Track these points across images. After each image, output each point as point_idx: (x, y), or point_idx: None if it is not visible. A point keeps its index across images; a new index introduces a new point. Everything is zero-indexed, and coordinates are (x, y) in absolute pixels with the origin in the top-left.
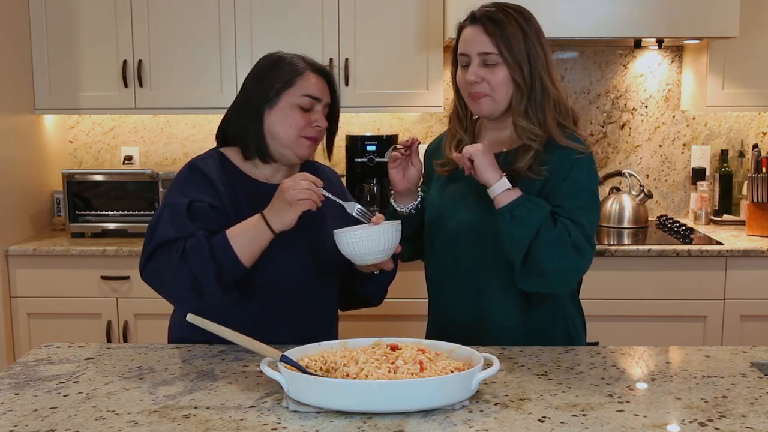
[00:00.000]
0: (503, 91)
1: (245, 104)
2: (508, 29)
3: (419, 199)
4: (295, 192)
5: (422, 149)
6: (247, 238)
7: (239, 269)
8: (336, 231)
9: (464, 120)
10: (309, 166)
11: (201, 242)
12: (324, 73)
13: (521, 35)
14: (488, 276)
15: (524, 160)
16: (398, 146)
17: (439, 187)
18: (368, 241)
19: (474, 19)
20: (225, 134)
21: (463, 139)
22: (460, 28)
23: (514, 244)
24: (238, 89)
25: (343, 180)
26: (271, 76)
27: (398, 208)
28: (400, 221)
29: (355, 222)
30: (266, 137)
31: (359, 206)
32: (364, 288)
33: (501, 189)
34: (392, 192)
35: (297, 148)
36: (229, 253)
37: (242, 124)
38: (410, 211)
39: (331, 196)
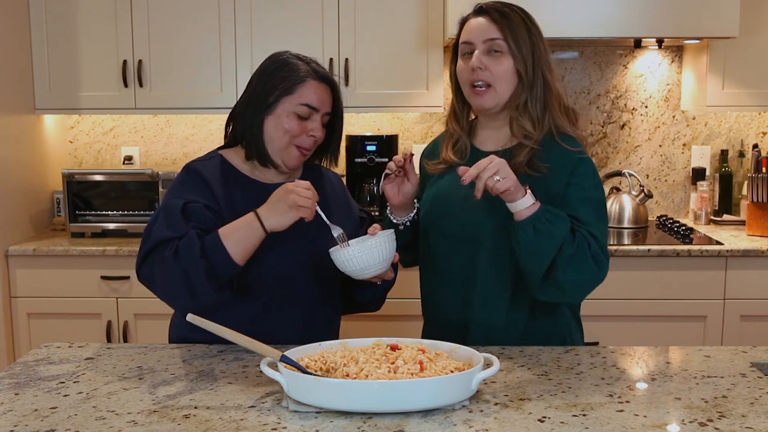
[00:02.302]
0: (506, 83)
1: (248, 106)
2: (514, 21)
3: (415, 211)
4: (297, 198)
5: (417, 151)
6: (239, 235)
7: (231, 266)
8: (331, 250)
9: (461, 119)
10: (313, 170)
11: (193, 240)
12: (327, 81)
13: (525, 30)
14: (479, 276)
15: (522, 155)
16: (390, 171)
17: (432, 184)
18: (364, 256)
19: (481, 10)
20: (230, 132)
21: (461, 139)
22: (464, 21)
23: (537, 258)
24: (238, 89)
25: (343, 180)
26: (273, 80)
27: (394, 220)
28: (392, 230)
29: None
30: (265, 141)
31: (341, 231)
32: (363, 295)
33: (526, 204)
34: (388, 205)
35: (286, 157)
36: (220, 249)
37: (245, 126)
38: (406, 223)
39: (322, 214)
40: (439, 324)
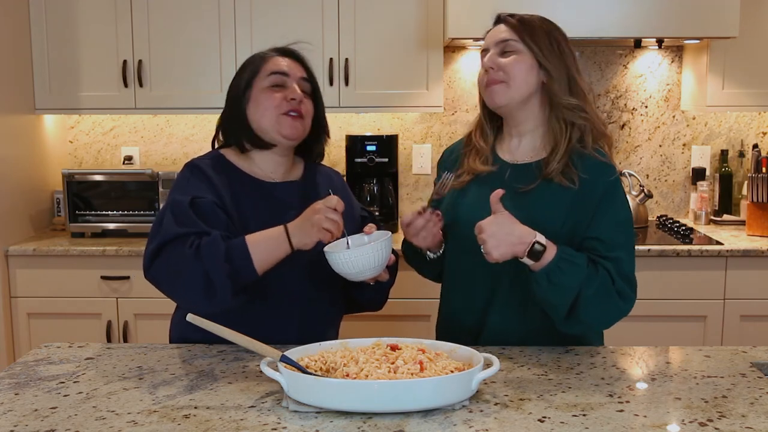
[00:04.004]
0: (521, 78)
1: (229, 106)
2: (531, 23)
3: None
4: (323, 219)
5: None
6: (266, 246)
7: (251, 274)
8: (326, 250)
9: (488, 133)
10: (313, 168)
11: (217, 242)
12: (290, 54)
13: (545, 33)
14: (499, 288)
15: (555, 161)
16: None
17: (458, 193)
18: (359, 260)
19: (498, 19)
20: (220, 136)
21: (485, 153)
22: (486, 33)
23: (554, 308)
24: None
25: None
26: (243, 73)
27: (432, 255)
28: (390, 235)
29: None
30: (254, 130)
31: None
32: (362, 295)
33: (529, 263)
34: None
35: (280, 127)
36: (246, 257)
37: (232, 123)
38: (438, 254)
39: (348, 237)
40: (456, 325)
